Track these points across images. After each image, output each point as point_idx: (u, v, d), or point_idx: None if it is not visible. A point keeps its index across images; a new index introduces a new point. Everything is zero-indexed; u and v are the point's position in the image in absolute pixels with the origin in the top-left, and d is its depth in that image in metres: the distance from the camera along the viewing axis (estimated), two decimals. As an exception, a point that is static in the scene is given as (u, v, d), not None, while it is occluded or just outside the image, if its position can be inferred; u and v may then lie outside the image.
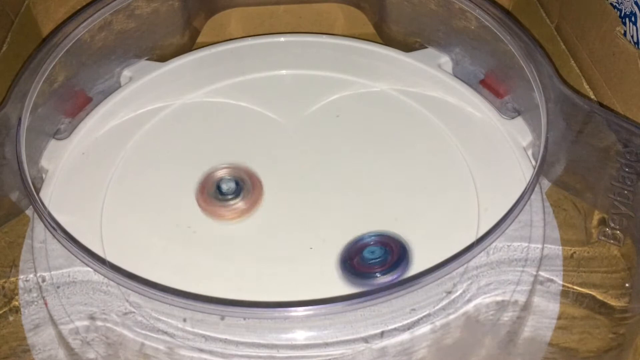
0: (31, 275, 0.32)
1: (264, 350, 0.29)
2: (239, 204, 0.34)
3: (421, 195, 0.35)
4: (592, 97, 0.39)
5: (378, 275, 0.31)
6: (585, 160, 0.34)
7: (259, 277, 0.32)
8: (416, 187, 0.35)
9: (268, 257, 0.32)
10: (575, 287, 0.32)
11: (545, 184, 0.35)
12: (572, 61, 0.42)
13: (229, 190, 0.34)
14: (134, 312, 0.30)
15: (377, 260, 0.31)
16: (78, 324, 0.30)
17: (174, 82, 0.41)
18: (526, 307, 0.31)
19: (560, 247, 0.33)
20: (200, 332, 0.29)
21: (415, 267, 0.31)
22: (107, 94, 0.40)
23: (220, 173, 0.35)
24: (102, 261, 0.30)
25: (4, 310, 0.31)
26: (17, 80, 0.35)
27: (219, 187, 0.34)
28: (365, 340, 0.29)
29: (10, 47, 0.41)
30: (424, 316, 0.29)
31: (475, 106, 0.39)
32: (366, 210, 0.34)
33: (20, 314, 0.31)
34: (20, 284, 0.32)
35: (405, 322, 0.29)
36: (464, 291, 0.30)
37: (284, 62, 0.42)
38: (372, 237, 0.32)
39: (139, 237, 0.33)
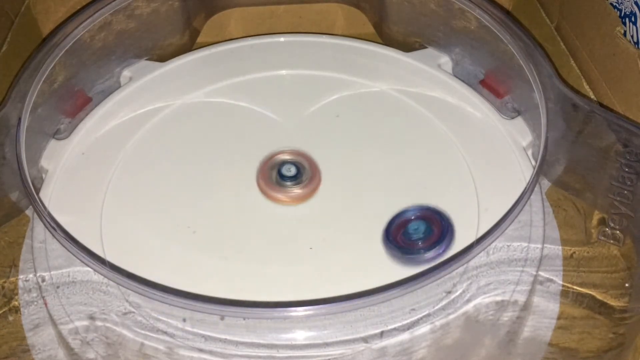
0: (31, 275, 0.32)
1: (263, 350, 0.29)
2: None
3: (421, 195, 0.35)
4: (592, 97, 0.39)
5: (422, 251, 0.31)
6: (585, 160, 0.34)
7: (259, 277, 0.32)
8: (416, 187, 0.35)
9: (268, 257, 0.32)
10: (575, 287, 0.31)
11: (545, 184, 0.35)
12: (572, 61, 0.42)
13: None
14: (133, 312, 0.30)
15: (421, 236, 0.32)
16: (78, 324, 0.30)
17: (174, 82, 0.41)
18: (526, 307, 0.31)
19: (560, 247, 0.33)
20: (200, 332, 0.29)
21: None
22: (107, 94, 0.40)
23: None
24: (102, 261, 0.30)
25: (4, 310, 0.31)
26: (17, 80, 0.35)
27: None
28: (365, 340, 0.29)
29: (10, 47, 0.41)
30: (424, 316, 0.29)
31: (475, 106, 0.39)
32: (366, 210, 0.34)
33: (20, 314, 0.31)
34: (20, 284, 0.32)
35: (405, 322, 0.29)
36: (463, 291, 0.30)
37: (284, 62, 0.42)
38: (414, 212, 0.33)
39: (139, 237, 0.33)
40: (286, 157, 0.36)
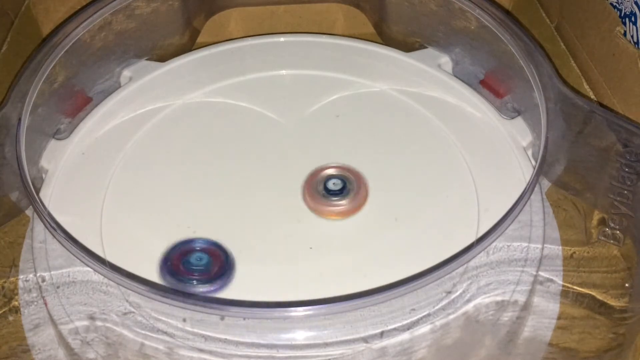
0: (31, 275, 0.32)
1: (263, 350, 0.29)
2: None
3: (421, 195, 0.35)
4: (592, 97, 0.39)
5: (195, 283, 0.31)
6: (585, 160, 0.34)
7: (259, 277, 0.32)
8: (416, 187, 0.35)
9: (268, 257, 0.32)
10: (575, 287, 0.32)
11: (545, 184, 0.35)
12: (572, 61, 0.42)
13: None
14: (133, 312, 0.30)
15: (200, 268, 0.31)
16: (78, 324, 0.30)
17: (174, 82, 0.41)
18: (526, 307, 0.31)
19: (560, 247, 0.33)
20: (200, 332, 0.29)
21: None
22: (107, 94, 0.40)
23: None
24: (102, 261, 0.30)
25: (4, 310, 0.31)
26: (17, 80, 0.35)
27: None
28: (365, 340, 0.29)
29: (10, 47, 0.41)
30: (424, 316, 0.29)
31: (475, 106, 0.39)
32: (366, 210, 0.34)
33: (20, 314, 0.31)
34: (20, 284, 0.32)
35: (405, 322, 0.29)
36: (463, 291, 0.30)
37: (284, 62, 0.42)
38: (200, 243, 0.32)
39: (139, 237, 0.33)
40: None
